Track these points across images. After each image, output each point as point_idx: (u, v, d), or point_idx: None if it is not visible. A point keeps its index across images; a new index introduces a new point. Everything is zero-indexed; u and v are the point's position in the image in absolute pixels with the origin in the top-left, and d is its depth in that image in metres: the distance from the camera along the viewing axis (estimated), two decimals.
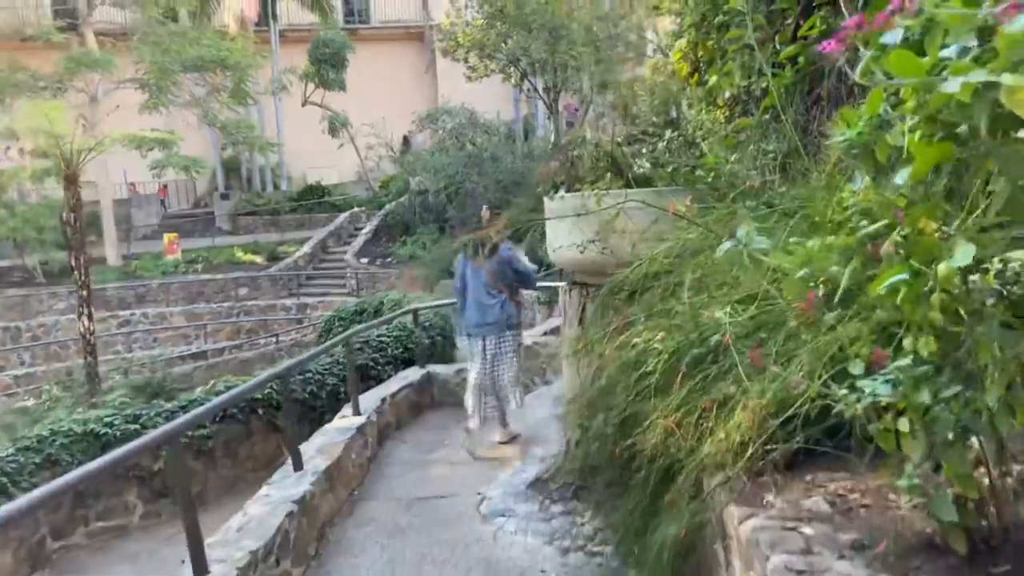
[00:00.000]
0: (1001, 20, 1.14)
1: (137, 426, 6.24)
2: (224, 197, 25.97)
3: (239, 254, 19.62)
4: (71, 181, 10.72)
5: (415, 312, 6.60)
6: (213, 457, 6.57)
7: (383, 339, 7.94)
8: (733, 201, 3.04)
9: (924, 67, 1.35)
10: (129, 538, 6.07)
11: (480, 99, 20.63)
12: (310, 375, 7.12)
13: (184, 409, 6.33)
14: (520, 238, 5.13)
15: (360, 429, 4.83)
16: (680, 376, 2.55)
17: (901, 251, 1.45)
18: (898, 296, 1.46)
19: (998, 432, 1.45)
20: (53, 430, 5.96)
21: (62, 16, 21.07)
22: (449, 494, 4.31)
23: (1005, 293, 1.33)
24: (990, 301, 1.32)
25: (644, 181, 3.82)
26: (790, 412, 2.16)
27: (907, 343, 1.34)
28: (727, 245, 1.50)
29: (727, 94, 4.91)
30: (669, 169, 3.64)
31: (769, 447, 2.24)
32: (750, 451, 2.23)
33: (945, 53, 1.32)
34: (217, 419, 6.49)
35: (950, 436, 1.57)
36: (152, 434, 3.56)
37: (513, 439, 5.19)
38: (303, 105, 24.10)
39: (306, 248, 19.61)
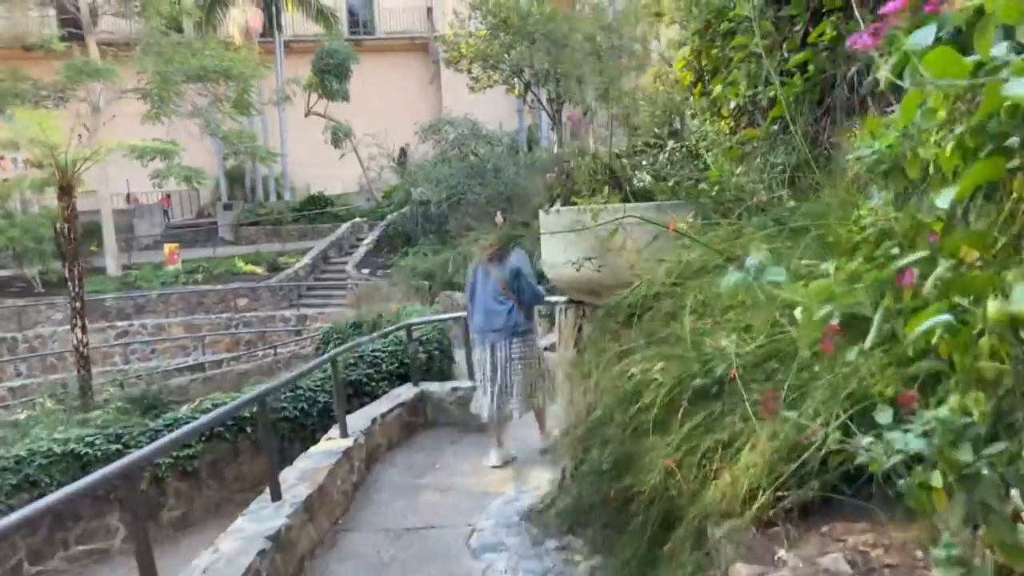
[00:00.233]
0: None
1: (119, 446, 6.02)
2: (227, 207, 25.88)
3: (240, 264, 19.47)
4: (65, 191, 10.57)
5: (408, 328, 6.39)
6: (199, 478, 6.35)
7: (377, 354, 7.73)
8: (739, 217, 2.82)
9: (968, 68, 1.13)
10: (110, 562, 5.85)
11: (484, 110, 20.51)
12: (301, 392, 6.90)
13: (169, 428, 6.12)
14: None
15: (347, 453, 4.60)
16: (681, 411, 2.33)
17: (938, 285, 1.23)
18: (936, 338, 1.24)
19: None
20: (32, 450, 5.75)
21: (67, 26, 21.07)
22: (438, 524, 4.07)
23: None
24: None
25: (644, 195, 3.61)
26: (805, 456, 1.94)
27: (952, 401, 1.11)
28: (734, 276, 1.27)
29: (732, 104, 4.70)
30: (671, 182, 3.41)
31: (781, 493, 2.01)
32: (760, 499, 2.00)
33: (996, 51, 1.10)
34: (203, 438, 6.27)
35: (993, 500, 1.34)
36: (128, 458, 3.41)
37: (507, 463, 4.97)
38: (306, 115, 24.05)
39: (307, 259, 19.45)
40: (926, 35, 1.34)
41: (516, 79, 18.20)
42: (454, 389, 6.05)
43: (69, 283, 10.92)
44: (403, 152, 23.90)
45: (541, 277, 4.65)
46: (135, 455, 3.17)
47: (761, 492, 2.02)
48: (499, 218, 5.44)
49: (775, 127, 3.58)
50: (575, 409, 2.84)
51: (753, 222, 2.87)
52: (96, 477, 2.76)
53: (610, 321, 3.02)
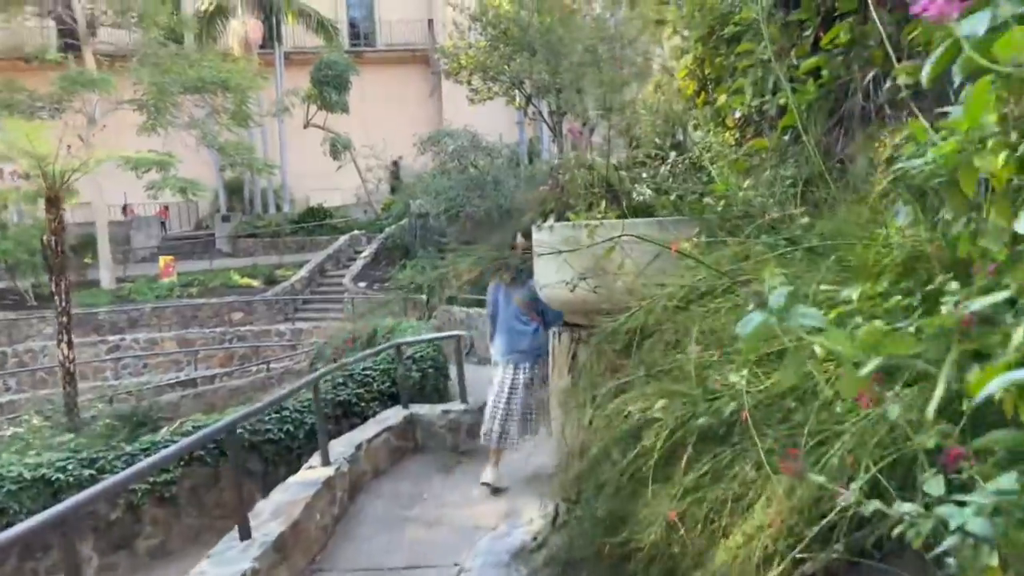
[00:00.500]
0: None
1: (93, 471, 5.73)
2: (225, 219, 25.70)
3: (235, 277, 19.23)
4: (53, 203, 10.34)
5: (398, 347, 6.10)
6: (177, 504, 6.05)
7: (368, 373, 7.45)
8: (748, 236, 2.55)
9: None
10: None
11: (484, 122, 20.33)
12: (287, 413, 6.62)
13: (146, 452, 5.83)
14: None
15: (328, 483, 4.32)
16: (685, 456, 2.05)
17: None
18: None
19: None
20: (0, 475, 5.46)
21: (66, 37, 20.98)
22: (423, 564, 3.78)
23: None
24: None
25: (644, 210, 3.35)
26: (830, 517, 1.67)
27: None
28: (754, 318, 1.00)
29: (737, 114, 4.45)
30: (673, 196, 3.15)
31: (801, 556, 1.74)
32: (777, 568, 1.72)
33: None
34: (182, 463, 5.98)
35: None
36: (102, 485, 3.20)
37: (497, 491, 4.70)
38: (305, 127, 23.92)
39: (303, 272, 19.20)
40: (979, 22, 1.09)
41: (516, 91, 18.02)
42: (445, 412, 5.76)
43: (56, 297, 10.67)
44: (395, 165, 23.70)
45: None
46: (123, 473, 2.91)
47: (778, 558, 1.74)
48: (519, 239, 5.21)
49: (785, 137, 3.33)
50: (568, 445, 2.57)
51: (763, 241, 2.61)
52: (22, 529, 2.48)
53: (606, 348, 2.75)
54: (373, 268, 19.30)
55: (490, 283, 5.10)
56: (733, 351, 2.21)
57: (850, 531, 1.73)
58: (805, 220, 2.81)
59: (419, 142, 19.13)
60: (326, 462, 4.61)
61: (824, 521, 1.66)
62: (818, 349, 1.29)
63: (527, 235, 5.21)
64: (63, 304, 10.62)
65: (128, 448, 6.14)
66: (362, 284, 18.18)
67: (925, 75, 1.45)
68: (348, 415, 7.10)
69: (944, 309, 1.35)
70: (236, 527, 3.51)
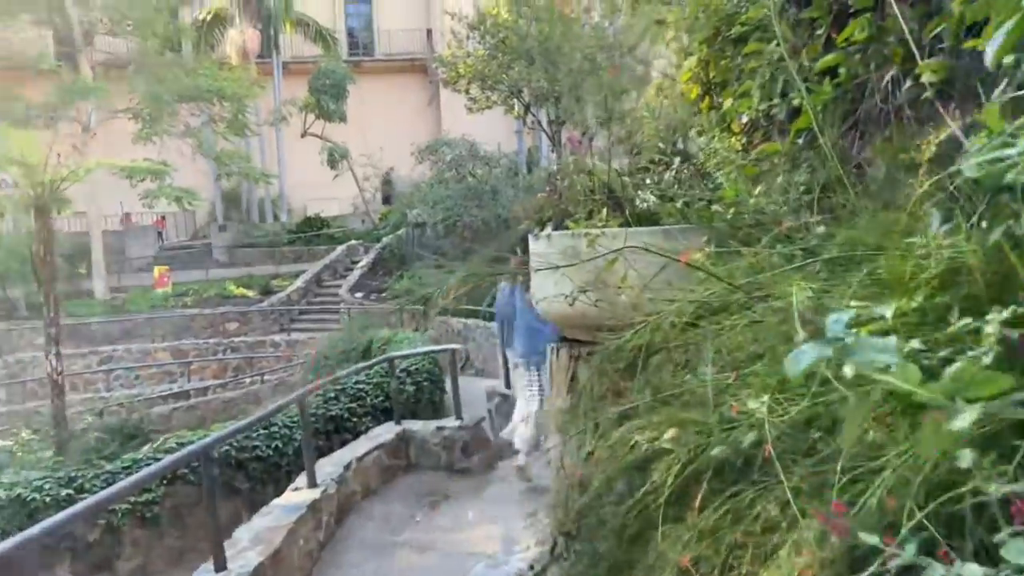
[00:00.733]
0: None
1: (71, 491, 5.49)
2: (222, 229, 25.51)
3: (231, 287, 19.01)
4: (42, 211, 10.13)
5: (391, 361, 5.87)
6: (159, 525, 5.80)
7: (361, 386, 7.22)
8: (764, 245, 2.34)
9: None
10: None
11: (483, 131, 20.18)
12: (275, 429, 6.38)
13: (127, 471, 5.59)
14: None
15: (313, 506, 4.08)
16: (700, 493, 1.83)
17: None
18: None
19: None
20: None
21: (64, 46, 20.85)
22: None
23: None
24: None
25: (648, 218, 3.13)
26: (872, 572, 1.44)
27: None
28: (806, 353, 0.78)
29: (744, 119, 4.25)
30: (679, 203, 2.94)
31: None
32: None
33: None
34: (164, 482, 5.74)
35: None
36: (79, 506, 3.00)
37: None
38: (302, 136, 23.78)
39: (299, 282, 18.99)
40: None
41: (515, 99, 17.88)
42: (439, 429, 5.53)
43: (44, 307, 10.44)
44: (387, 176, 23.52)
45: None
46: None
47: None
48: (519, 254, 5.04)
49: (799, 141, 3.12)
50: (567, 475, 2.34)
51: (780, 251, 2.39)
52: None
53: (608, 368, 2.53)
54: (370, 278, 19.09)
55: (502, 286, 4.90)
56: (751, 373, 1.99)
57: None
58: (822, 229, 2.61)
59: (417, 151, 18.98)
60: (312, 483, 4.38)
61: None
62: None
63: (526, 247, 5.01)
64: (51, 315, 10.39)
65: (108, 467, 5.90)
66: (359, 295, 17.96)
67: (990, 55, 1.23)
68: (340, 430, 6.87)
69: (989, 328, 1.15)
70: (212, 558, 3.28)
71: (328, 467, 4.77)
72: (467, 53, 17.51)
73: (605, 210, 3.03)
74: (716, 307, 2.28)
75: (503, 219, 14.69)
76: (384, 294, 16.96)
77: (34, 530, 2.58)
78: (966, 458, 1.03)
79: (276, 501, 4.18)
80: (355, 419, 6.94)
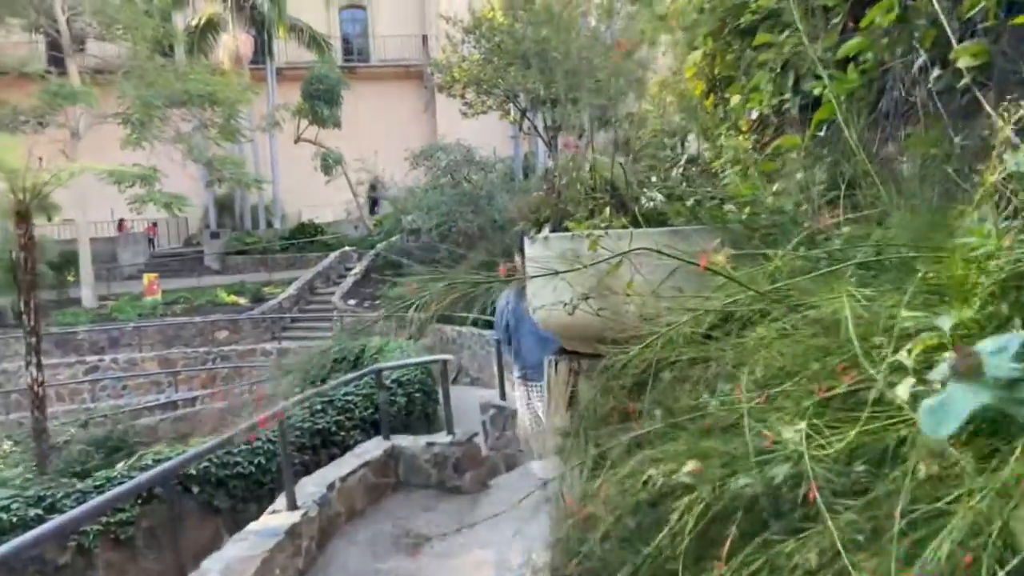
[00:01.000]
0: None
1: (40, 511, 5.17)
2: (214, 236, 25.19)
3: (222, 295, 18.68)
4: (23, 217, 9.82)
5: (378, 373, 5.57)
6: (134, 547, 5.48)
7: (350, 398, 6.91)
8: (792, 247, 2.06)
9: None
10: None
11: (479, 137, 19.95)
12: (258, 444, 6.07)
13: (99, 489, 5.27)
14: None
15: (292, 531, 3.78)
16: (727, 540, 1.55)
17: None
18: None
19: None
20: None
21: (56, 51, 20.58)
22: None
23: None
24: None
25: (655, 218, 2.86)
26: None
27: None
28: (958, 404, 0.50)
29: (754, 114, 3.99)
30: (689, 202, 2.67)
31: None
32: None
33: None
34: (139, 501, 5.42)
35: None
36: (47, 526, 2.72)
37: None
38: (296, 142, 23.53)
39: (291, 289, 18.67)
40: None
41: (511, 104, 17.66)
42: (429, 444, 5.23)
43: (24, 316, 10.12)
44: (373, 187, 23.22)
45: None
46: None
47: None
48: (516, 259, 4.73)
49: (820, 134, 2.86)
50: (567, 512, 2.05)
51: (809, 254, 2.12)
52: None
53: (613, 386, 2.25)
54: (364, 285, 18.78)
55: (506, 293, 4.61)
56: (782, 394, 1.71)
57: None
58: (846, 230, 2.33)
59: (411, 156, 18.73)
60: (292, 505, 4.08)
61: None
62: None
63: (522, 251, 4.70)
64: (32, 323, 10.07)
65: (80, 485, 5.58)
66: (352, 302, 17.66)
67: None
68: (327, 444, 6.57)
69: None
70: None
71: (310, 487, 4.47)
72: (462, 57, 17.29)
73: (608, 209, 2.76)
74: (738, 317, 2.00)
75: (499, 225, 14.43)
76: (378, 301, 16.65)
77: (37, 532, 2.33)
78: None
79: (251, 526, 3.88)
80: (343, 433, 6.63)
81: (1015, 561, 1.10)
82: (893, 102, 3.10)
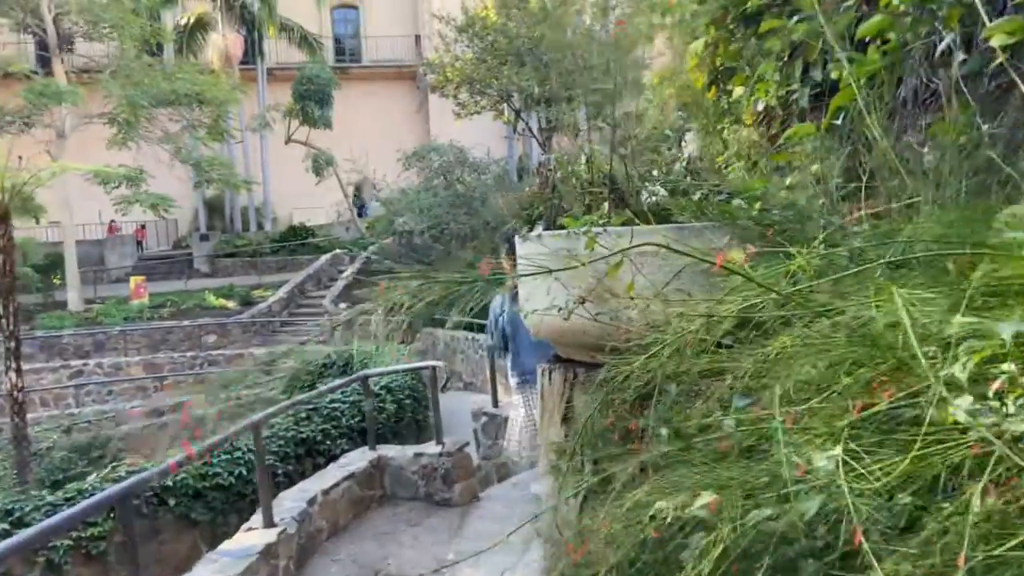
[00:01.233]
0: None
1: (7, 525, 4.90)
2: (204, 238, 24.88)
3: (210, 298, 18.37)
4: (2, 219, 9.53)
5: (364, 380, 5.32)
6: (106, 562, 5.22)
7: (336, 405, 6.66)
8: (817, 244, 1.83)
9: None
10: None
11: (473, 138, 19.72)
12: (239, 454, 5.81)
13: (70, 502, 5.00)
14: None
15: (267, 551, 3.53)
16: None
17: None
18: None
19: None
20: None
21: (45, 50, 20.24)
22: None
23: None
24: None
25: (658, 215, 2.63)
26: None
27: None
28: None
29: (759, 106, 3.77)
30: (696, 196, 2.44)
31: None
32: None
33: None
34: (112, 515, 5.15)
35: None
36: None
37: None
38: (286, 143, 23.23)
39: (281, 292, 18.38)
40: None
41: (505, 104, 17.44)
42: (417, 455, 4.98)
43: (3, 320, 9.82)
44: (357, 190, 22.95)
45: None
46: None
47: None
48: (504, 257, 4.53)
49: (837, 122, 2.64)
50: (562, 546, 1.82)
51: (826, 252, 1.89)
52: None
53: (614, 400, 2.02)
54: (356, 288, 18.50)
55: (499, 298, 4.38)
56: (809, 411, 1.48)
57: None
58: (866, 226, 2.11)
59: (404, 158, 18.48)
60: (269, 522, 3.82)
61: None
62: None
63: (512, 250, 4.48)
64: (11, 328, 9.77)
65: (49, 498, 5.31)
66: (343, 305, 17.39)
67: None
68: (312, 454, 6.31)
69: None
70: None
71: (289, 501, 4.21)
72: (455, 57, 17.07)
73: (606, 204, 2.53)
74: (754, 324, 1.77)
75: (492, 227, 14.19)
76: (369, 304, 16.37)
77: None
78: None
79: (224, 545, 3.62)
80: (329, 442, 6.38)
81: None
82: (912, 90, 2.88)
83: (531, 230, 2.74)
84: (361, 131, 25.45)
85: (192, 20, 23.83)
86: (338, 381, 5.82)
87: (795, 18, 3.02)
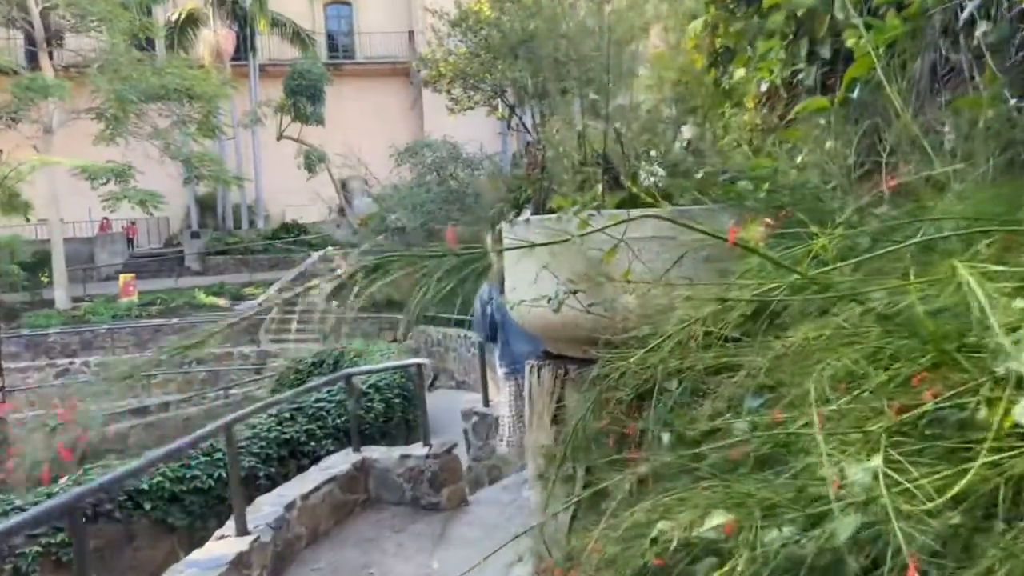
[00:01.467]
0: None
1: None
2: (195, 236, 24.59)
3: (200, 296, 18.10)
4: None
5: (348, 378, 5.08)
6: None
7: (322, 405, 6.43)
8: (842, 224, 1.61)
9: None
10: None
11: (467, 134, 19.49)
12: (218, 456, 5.58)
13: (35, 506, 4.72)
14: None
15: (239, 561, 3.31)
16: None
17: None
18: None
19: None
20: None
21: (35, 45, 19.92)
22: None
23: None
24: None
25: (656, 197, 2.41)
26: None
27: None
28: None
29: (763, 86, 3.56)
30: (699, 175, 2.22)
31: None
32: None
33: None
34: (85, 519, 4.91)
35: None
36: None
37: None
38: (278, 139, 22.95)
39: (271, 290, 18.11)
40: None
41: (499, 100, 17.20)
42: (403, 457, 4.75)
43: None
44: (344, 187, 22.67)
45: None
46: None
47: None
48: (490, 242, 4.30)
49: (852, 95, 2.42)
50: (552, 561, 1.60)
51: (861, 230, 1.68)
52: None
53: (609, 399, 1.80)
54: (347, 286, 18.25)
55: (486, 287, 4.19)
56: (840, 414, 1.26)
57: None
58: (884, 207, 1.89)
59: (396, 154, 18.23)
60: (242, 530, 3.59)
61: None
62: None
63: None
64: None
65: (18, 502, 5.07)
66: (335, 303, 17.12)
67: None
68: (296, 455, 6.08)
69: None
70: None
71: (267, 507, 3.98)
72: (448, 51, 16.82)
73: (600, 186, 2.31)
74: (769, 312, 1.55)
75: (485, 221, 13.97)
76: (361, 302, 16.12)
77: None
78: None
79: (193, 555, 3.39)
80: (314, 442, 6.15)
81: None
82: (930, 64, 2.66)
83: (519, 215, 2.52)
84: (355, 128, 25.18)
85: (183, 15, 23.52)
86: (319, 380, 5.58)
87: None
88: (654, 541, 1.16)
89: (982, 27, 2.29)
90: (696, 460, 1.35)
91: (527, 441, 2.73)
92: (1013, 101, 2.07)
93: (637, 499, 1.33)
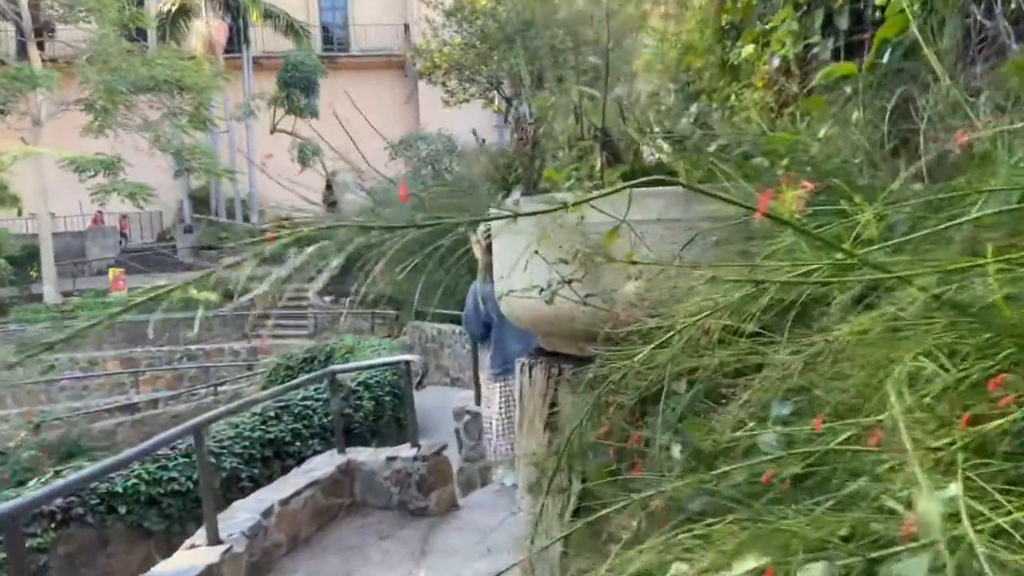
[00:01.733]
0: None
1: None
2: (188, 230, 24.29)
3: (191, 291, 17.80)
4: None
5: (332, 377, 4.82)
6: None
7: (308, 403, 6.17)
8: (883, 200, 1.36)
9: None
10: None
11: (463, 127, 19.21)
12: (196, 458, 5.31)
13: None
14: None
15: (208, 573, 3.04)
16: None
17: None
18: None
19: None
20: None
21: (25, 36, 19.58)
22: None
23: None
24: None
25: (660, 174, 2.16)
26: None
27: None
28: None
29: (775, 62, 3.31)
30: (711, 147, 1.96)
31: None
32: None
33: None
34: (54, 525, 4.66)
35: None
36: None
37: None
38: (271, 132, 22.64)
39: (264, 285, 17.81)
40: None
41: (495, 91, 16.92)
42: (390, 459, 4.50)
43: None
44: (329, 185, 22.30)
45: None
46: None
47: None
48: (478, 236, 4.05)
49: (882, 60, 2.17)
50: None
51: (909, 202, 1.43)
52: None
53: (609, 403, 1.55)
54: (341, 281, 17.98)
55: (476, 283, 3.95)
56: (909, 426, 1.01)
57: None
58: (917, 186, 1.64)
59: (391, 147, 17.95)
60: (214, 539, 3.34)
61: None
62: None
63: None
64: None
65: None
66: (328, 298, 16.87)
67: None
68: (281, 456, 5.83)
69: None
70: None
71: (242, 513, 3.74)
72: (443, 42, 16.53)
73: (598, 161, 2.06)
74: (803, 302, 1.31)
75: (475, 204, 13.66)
76: (353, 297, 15.87)
77: None
78: None
79: (159, 567, 3.14)
80: (299, 442, 5.90)
81: None
82: (964, 31, 2.40)
83: (507, 196, 2.27)
84: (352, 121, 24.88)
85: (175, 6, 23.16)
86: (301, 378, 5.32)
87: None
88: None
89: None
90: (716, 481, 1.11)
91: (517, 449, 2.48)
92: None
93: (646, 531, 1.08)
